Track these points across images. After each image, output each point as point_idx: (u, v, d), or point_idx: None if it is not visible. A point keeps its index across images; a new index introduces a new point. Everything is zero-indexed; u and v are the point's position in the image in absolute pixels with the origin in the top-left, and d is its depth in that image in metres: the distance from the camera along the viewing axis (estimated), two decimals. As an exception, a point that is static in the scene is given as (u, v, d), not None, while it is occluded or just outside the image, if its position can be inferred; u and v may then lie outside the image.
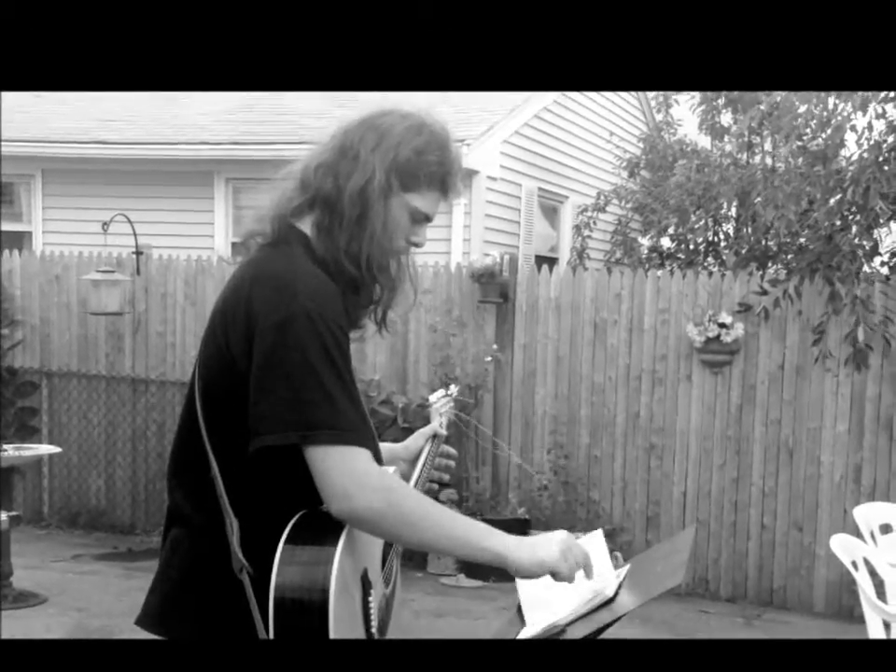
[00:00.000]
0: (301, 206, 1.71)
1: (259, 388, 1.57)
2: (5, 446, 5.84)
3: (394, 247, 1.73)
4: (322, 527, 1.58)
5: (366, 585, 1.65)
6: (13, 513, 5.12)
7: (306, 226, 1.71)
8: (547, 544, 1.63)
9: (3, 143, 7.89)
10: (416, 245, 1.77)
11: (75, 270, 7.06)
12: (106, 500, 7.12)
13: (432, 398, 2.19)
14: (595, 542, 1.97)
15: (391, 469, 1.86)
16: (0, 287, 7.11)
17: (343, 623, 1.56)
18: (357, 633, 1.64)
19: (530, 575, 1.65)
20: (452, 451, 2.11)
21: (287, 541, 1.57)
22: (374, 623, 1.67)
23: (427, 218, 1.76)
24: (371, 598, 1.66)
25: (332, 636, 1.54)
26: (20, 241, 8.06)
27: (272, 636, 1.54)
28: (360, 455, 1.56)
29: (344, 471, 1.54)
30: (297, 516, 1.60)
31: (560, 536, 1.66)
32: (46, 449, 6.38)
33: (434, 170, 1.72)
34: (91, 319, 6.93)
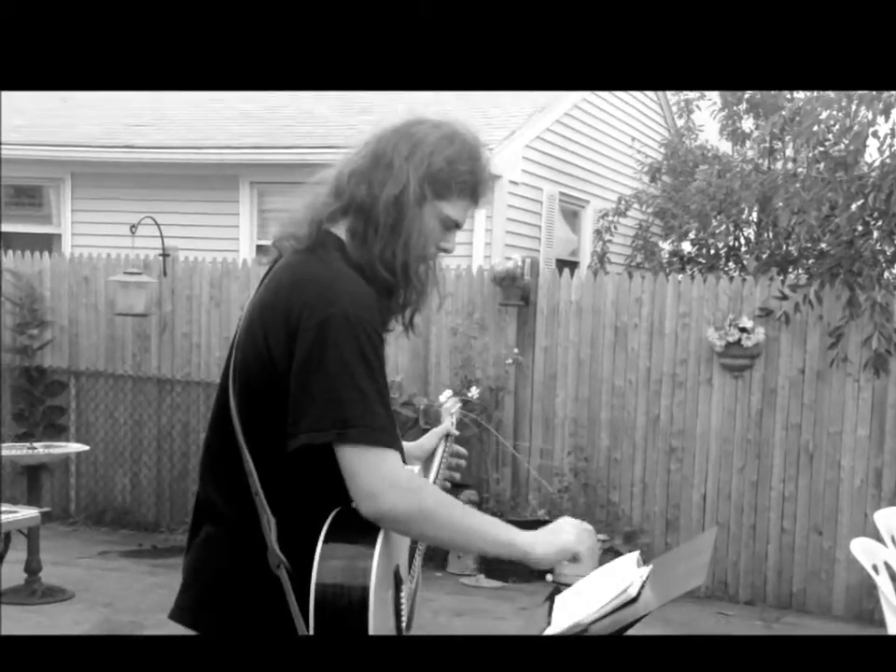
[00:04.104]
0: (336, 212, 1.74)
1: (297, 388, 1.61)
2: (34, 444, 5.96)
3: (426, 254, 1.77)
4: (361, 524, 1.62)
5: (398, 581, 1.70)
6: (43, 510, 5.22)
7: (340, 231, 1.75)
8: (561, 532, 1.72)
9: (33, 147, 8.06)
10: (446, 251, 1.81)
11: (103, 271, 7.17)
12: (132, 498, 7.22)
13: (442, 398, 2.25)
14: (627, 563, 2.02)
15: (415, 468, 1.92)
16: (31, 288, 7.24)
17: (379, 619, 1.60)
18: (389, 627, 1.68)
19: (551, 564, 1.72)
20: (462, 451, 2.15)
21: (326, 538, 1.60)
22: (404, 618, 1.73)
23: (457, 225, 1.80)
24: (402, 594, 1.71)
25: (371, 631, 1.57)
26: (49, 243, 8.19)
27: (311, 631, 1.57)
28: (390, 457, 1.60)
29: (374, 472, 1.58)
30: (334, 512, 1.64)
31: (569, 521, 1.75)
32: (74, 447, 6.49)
33: (465, 179, 1.75)
34: (118, 320, 7.04)
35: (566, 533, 1.72)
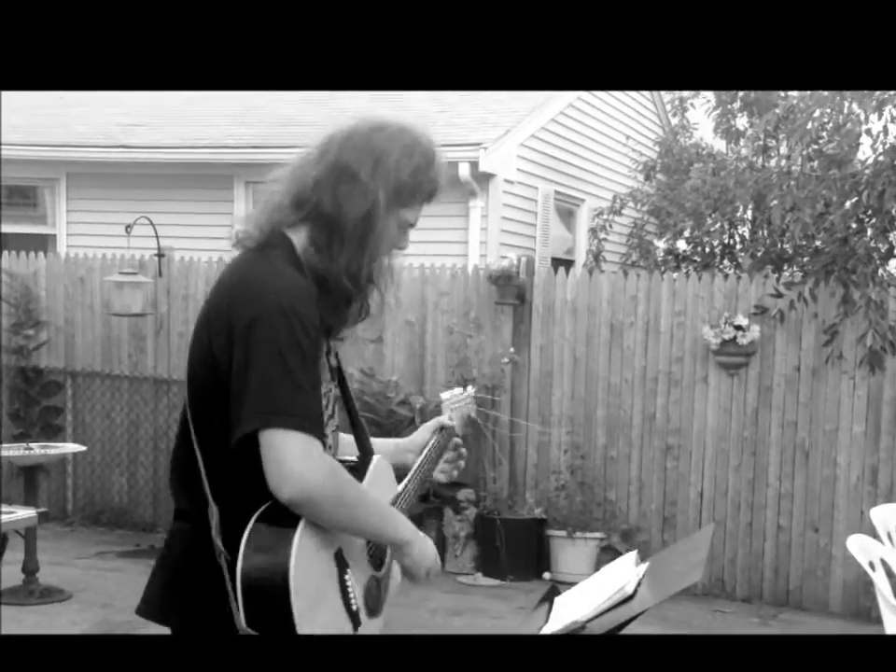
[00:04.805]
0: (295, 220, 1.79)
1: (237, 383, 1.66)
2: (31, 444, 5.95)
3: (385, 259, 1.84)
4: (287, 512, 1.67)
5: (342, 564, 1.74)
6: (41, 510, 5.21)
7: (296, 234, 1.79)
8: (428, 556, 1.83)
9: (28, 147, 8.05)
10: (401, 249, 1.88)
11: (98, 272, 7.17)
12: (129, 498, 7.22)
13: (444, 395, 2.23)
14: (625, 562, 2.04)
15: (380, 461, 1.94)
16: (26, 288, 7.23)
17: (309, 601, 1.64)
18: (335, 610, 1.72)
19: (408, 568, 1.84)
20: (459, 441, 2.15)
21: (253, 525, 1.66)
22: (356, 601, 1.75)
23: (413, 226, 1.87)
24: (347, 577, 1.74)
25: (297, 614, 1.61)
26: (45, 243, 8.18)
27: (243, 617, 1.62)
28: (315, 444, 1.64)
29: (300, 456, 1.62)
30: (267, 503, 1.68)
31: (434, 551, 1.86)
32: (71, 447, 6.48)
33: (426, 187, 1.83)
34: (114, 320, 7.03)
35: (430, 559, 1.84)
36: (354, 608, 1.74)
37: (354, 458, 1.93)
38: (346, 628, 1.74)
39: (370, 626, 1.82)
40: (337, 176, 1.76)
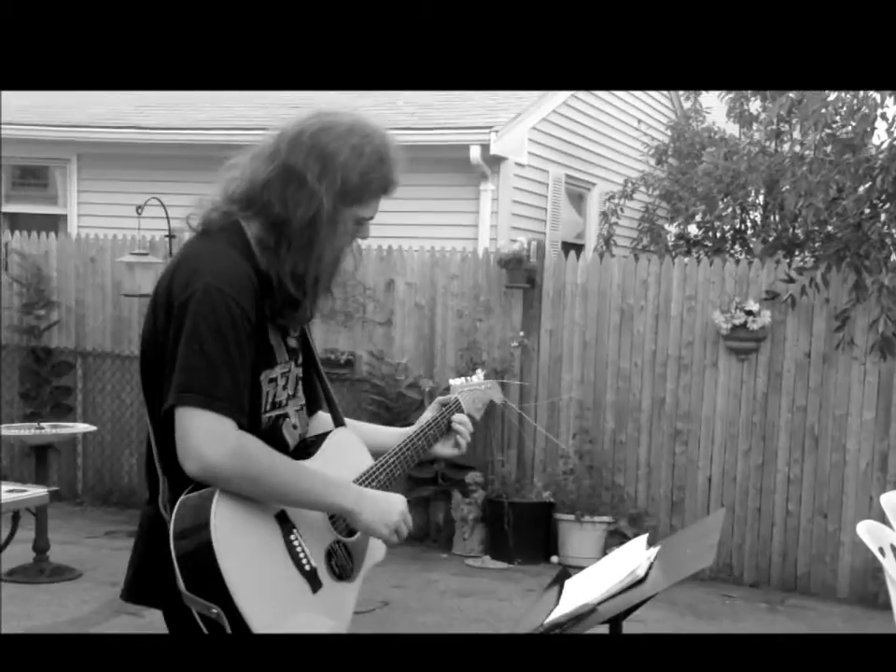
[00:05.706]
0: (245, 215, 1.81)
1: (169, 360, 1.71)
2: (42, 424, 5.98)
3: (339, 258, 1.84)
4: None
5: (286, 524, 1.76)
6: (52, 488, 5.24)
7: (249, 225, 1.81)
8: (391, 512, 1.82)
9: (39, 127, 8.07)
10: (363, 238, 1.89)
11: (109, 252, 7.18)
12: (138, 479, 7.24)
13: (454, 381, 2.23)
14: (636, 545, 2.04)
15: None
16: (37, 269, 7.25)
17: (244, 560, 1.66)
18: (281, 570, 1.73)
19: (365, 532, 1.84)
20: (464, 418, 2.12)
21: (185, 495, 1.70)
22: (309, 561, 1.76)
23: (371, 219, 1.87)
24: (293, 537, 1.75)
25: (226, 571, 1.63)
26: (56, 224, 8.20)
27: (182, 582, 1.64)
28: (224, 423, 1.67)
29: (204, 434, 1.65)
30: None
31: (401, 507, 1.85)
32: (81, 427, 6.51)
33: (377, 184, 1.82)
34: (124, 301, 7.05)
35: (393, 515, 1.82)
36: (307, 567, 1.75)
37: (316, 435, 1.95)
38: (303, 589, 1.75)
39: (337, 590, 1.83)
40: (285, 179, 1.77)
